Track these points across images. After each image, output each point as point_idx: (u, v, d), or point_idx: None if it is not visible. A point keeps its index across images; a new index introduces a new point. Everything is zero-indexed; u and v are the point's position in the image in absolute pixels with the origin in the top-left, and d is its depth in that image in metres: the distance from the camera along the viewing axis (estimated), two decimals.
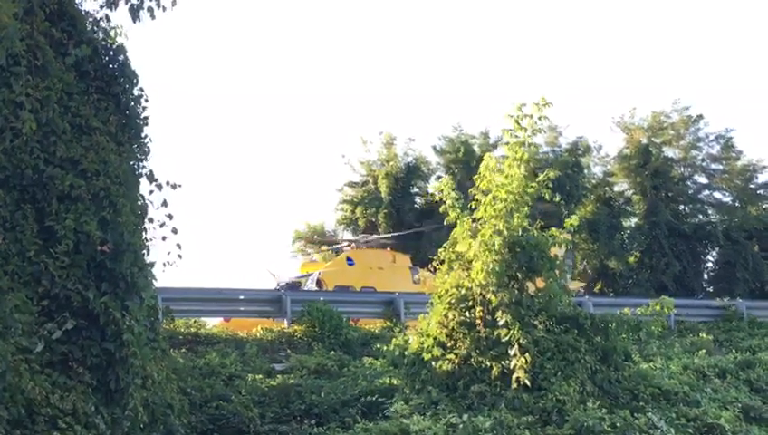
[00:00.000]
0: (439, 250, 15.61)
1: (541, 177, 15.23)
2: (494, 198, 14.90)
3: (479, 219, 15.03)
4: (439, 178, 37.59)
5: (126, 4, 12.34)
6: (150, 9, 12.34)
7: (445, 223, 15.76)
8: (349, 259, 29.50)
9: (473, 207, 15.32)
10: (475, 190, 15.28)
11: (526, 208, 14.96)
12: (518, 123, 15.18)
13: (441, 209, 15.74)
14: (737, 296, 32.04)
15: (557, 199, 15.29)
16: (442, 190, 15.68)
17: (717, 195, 40.26)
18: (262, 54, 74.71)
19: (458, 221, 15.33)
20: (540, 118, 15.09)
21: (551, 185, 15.32)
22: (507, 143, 15.36)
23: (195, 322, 21.23)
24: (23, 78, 10.65)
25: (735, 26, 72.28)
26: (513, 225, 14.67)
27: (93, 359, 10.49)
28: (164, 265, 12.55)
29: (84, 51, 11.71)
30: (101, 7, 12.52)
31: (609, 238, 37.28)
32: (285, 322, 21.67)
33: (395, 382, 15.34)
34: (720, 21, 71.96)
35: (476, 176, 15.44)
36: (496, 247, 14.44)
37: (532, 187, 15.05)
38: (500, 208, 14.73)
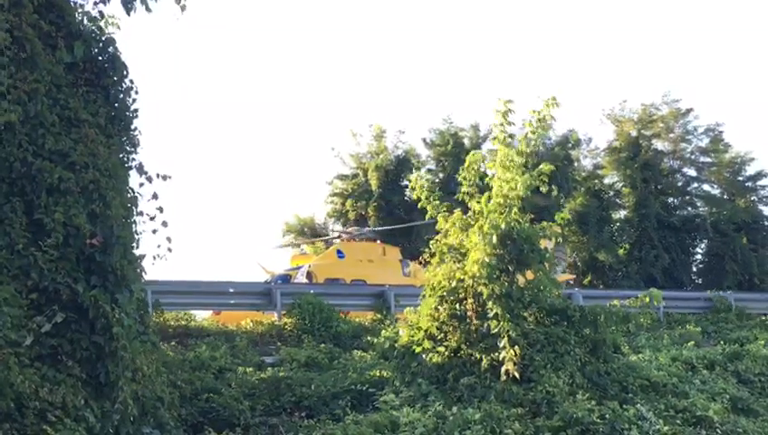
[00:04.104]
0: (431, 242, 15.62)
1: (535, 171, 15.22)
2: (489, 189, 14.92)
3: (477, 212, 15.02)
4: (430, 170, 37.60)
5: None
6: (145, 0, 12.23)
7: (426, 218, 15.80)
8: (339, 252, 29.46)
9: (462, 199, 15.31)
10: (470, 185, 15.26)
11: (520, 202, 14.99)
12: (505, 117, 15.21)
13: (419, 205, 15.77)
14: (726, 288, 32.23)
15: (554, 193, 15.28)
16: (415, 189, 15.78)
17: (706, 187, 40.51)
18: (253, 47, 74.60)
19: (439, 215, 15.37)
20: (541, 119, 15.22)
21: (546, 180, 15.34)
22: (510, 142, 15.37)
23: (185, 314, 21.19)
24: (6, 69, 10.56)
25: (726, 20, 72.51)
26: (509, 219, 14.71)
27: (83, 352, 10.43)
28: (154, 258, 12.52)
29: (78, 49, 11.63)
30: (95, 4, 12.44)
31: (599, 231, 37.42)
32: (275, 314, 21.64)
33: (385, 375, 15.36)
34: (711, 14, 72.18)
35: (477, 168, 15.45)
36: (494, 242, 14.45)
37: (530, 182, 15.04)
38: (502, 204, 14.76)
